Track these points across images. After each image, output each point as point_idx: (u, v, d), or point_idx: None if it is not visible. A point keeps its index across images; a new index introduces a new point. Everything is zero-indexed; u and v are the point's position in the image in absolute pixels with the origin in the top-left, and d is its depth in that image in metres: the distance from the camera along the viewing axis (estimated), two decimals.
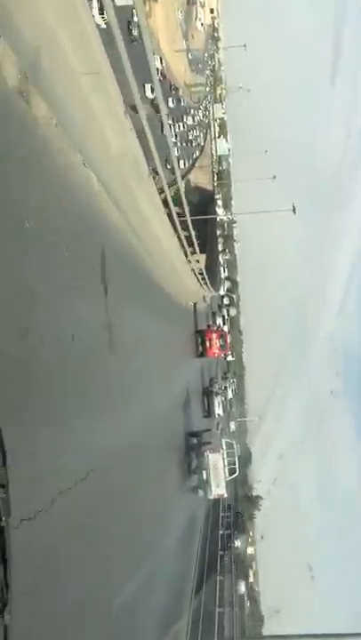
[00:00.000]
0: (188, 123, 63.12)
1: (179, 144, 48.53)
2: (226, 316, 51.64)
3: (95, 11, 13.67)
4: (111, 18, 9.79)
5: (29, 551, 4.96)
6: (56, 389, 7.00)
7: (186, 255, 27.42)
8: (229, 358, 70.85)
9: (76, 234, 8.65)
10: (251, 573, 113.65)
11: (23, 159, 6.63)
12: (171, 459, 22.26)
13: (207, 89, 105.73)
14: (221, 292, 73.19)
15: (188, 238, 27.67)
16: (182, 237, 25.48)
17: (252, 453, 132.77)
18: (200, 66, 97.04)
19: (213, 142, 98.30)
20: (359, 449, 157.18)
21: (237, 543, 65.83)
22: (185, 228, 26.03)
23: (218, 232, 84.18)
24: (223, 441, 27.20)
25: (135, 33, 23.45)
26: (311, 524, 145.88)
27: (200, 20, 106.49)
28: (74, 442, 7.48)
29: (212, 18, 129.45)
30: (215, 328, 38.80)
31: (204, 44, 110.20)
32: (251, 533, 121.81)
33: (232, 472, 26.90)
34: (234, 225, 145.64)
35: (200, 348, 32.99)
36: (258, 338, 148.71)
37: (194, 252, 29.82)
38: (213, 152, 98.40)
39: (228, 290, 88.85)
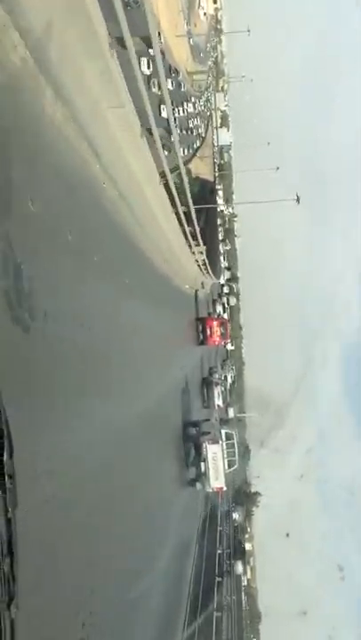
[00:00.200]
0: (189, 110, 61.77)
1: (178, 130, 47.24)
2: (226, 305, 50.75)
3: None
4: None
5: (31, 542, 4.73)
6: (56, 382, 6.80)
7: (187, 239, 26.49)
8: (229, 347, 69.80)
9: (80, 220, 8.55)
10: (248, 569, 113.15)
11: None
12: (168, 449, 21.29)
13: (209, 79, 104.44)
14: (222, 281, 72.80)
15: (189, 218, 26.65)
16: (184, 223, 24.84)
17: (250, 450, 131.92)
18: (202, 55, 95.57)
19: (215, 132, 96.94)
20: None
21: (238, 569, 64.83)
22: (188, 218, 25.28)
23: (218, 222, 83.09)
24: (223, 431, 26.01)
25: None
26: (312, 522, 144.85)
27: (203, 9, 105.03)
28: (72, 430, 7.25)
29: (216, 9, 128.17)
30: (216, 316, 38.25)
31: (206, 34, 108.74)
32: (248, 529, 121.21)
33: (231, 464, 25.71)
34: (235, 219, 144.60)
35: (201, 336, 32.55)
36: (258, 334, 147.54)
37: (195, 239, 29.08)
38: (215, 142, 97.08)
39: (227, 280, 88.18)
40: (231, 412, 50.91)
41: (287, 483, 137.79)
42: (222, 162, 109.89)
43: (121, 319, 11.79)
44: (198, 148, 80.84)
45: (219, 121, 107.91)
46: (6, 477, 3.22)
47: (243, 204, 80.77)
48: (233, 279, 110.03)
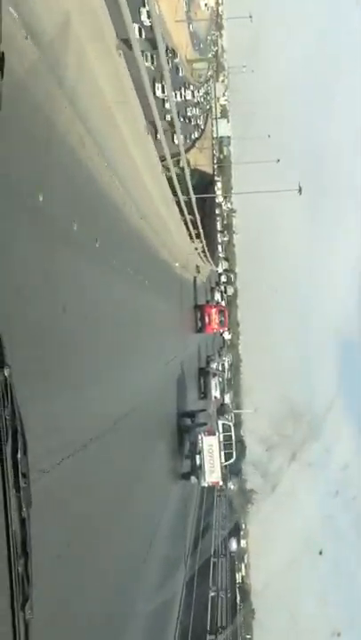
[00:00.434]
0: (187, 98, 60.47)
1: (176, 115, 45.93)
2: (224, 293, 49.89)
3: None
4: None
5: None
6: (48, 364, 6.40)
7: (186, 225, 25.47)
8: (227, 336, 68.57)
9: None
10: (243, 567, 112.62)
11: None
12: (161, 440, 20.00)
13: (209, 72, 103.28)
14: (220, 270, 72.25)
15: (188, 204, 25.76)
16: (183, 207, 23.92)
17: (246, 446, 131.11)
18: (202, 46, 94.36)
19: (214, 124, 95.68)
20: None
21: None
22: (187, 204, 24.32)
23: (217, 211, 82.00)
24: (220, 423, 24.69)
25: None
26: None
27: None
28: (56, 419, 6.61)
29: (217, 3, 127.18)
30: (214, 303, 37.55)
31: (206, 25, 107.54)
32: (243, 526, 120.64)
33: (228, 457, 24.40)
34: (234, 214, 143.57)
35: (199, 324, 32.03)
36: (255, 331, 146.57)
37: (195, 226, 28.26)
38: (214, 134, 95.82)
39: (225, 270, 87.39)
40: (227, 398, 50.16)
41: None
42: (222, 156, 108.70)
43: (113, 303, 11.06)
44: (197, 139, 79.72)
45: (219, 112, 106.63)
46: (20, 476, 3.13)
47: (243, 194, 79.31)
48: (231, 270, 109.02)
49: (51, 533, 5.73)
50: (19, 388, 3.19)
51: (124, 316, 12.22)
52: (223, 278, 70.61)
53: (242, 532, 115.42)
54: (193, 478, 24.27)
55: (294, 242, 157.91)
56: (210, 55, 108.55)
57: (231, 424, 25.54)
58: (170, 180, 20.28)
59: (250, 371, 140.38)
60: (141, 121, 12.42)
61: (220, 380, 35.24)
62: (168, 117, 29.84)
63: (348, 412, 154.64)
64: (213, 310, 32.90)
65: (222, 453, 23.73)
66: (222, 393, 36.50)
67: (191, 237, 24.71)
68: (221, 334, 56.26)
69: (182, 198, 23.20)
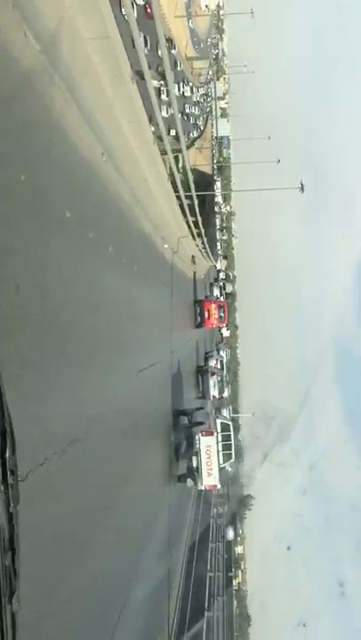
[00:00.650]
0: (186, 94, 59.43)
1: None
2: (223, 289, 49.03)
3: None
4: None
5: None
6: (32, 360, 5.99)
7: (185, 217, 24.44)
8: (225, 333, 67.37)
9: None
10: (239, 573, 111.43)
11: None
12: (155, 439, 18.71)
13: (209, 75, 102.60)
14: (218, 267, 71.41)
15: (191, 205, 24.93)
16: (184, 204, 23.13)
17: (243, 450, 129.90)
18: (202, 46, 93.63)
19: (214, 124, 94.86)
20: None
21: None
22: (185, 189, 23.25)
23: (216, 209, 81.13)
24: (218, 422, 23.33)
25: None
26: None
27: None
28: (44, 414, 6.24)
29: (218, 6, 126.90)
30: (214, 299, 36.68)
31: (207, 25, 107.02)
32: (240, 531, 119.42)
33: (227, 458, 23.04)
34: (233, 218, 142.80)
35: (198, 319, 31.46)
36: (254, 335, 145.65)
37: (195, 220, 27.37)
38: (214, 134, 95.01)
39: (225, 268, 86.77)
40: (226, 392, 49.24)
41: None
42: (221, 158, 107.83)
43: (110, 295, 10.41)
44: (196, 138, 78.89)
45: (219, 112, 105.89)
46: (8, 473, 3.18)
47: (244, 191, 78.19)
48: (229, 269, 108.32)
49: (40, 532, 5.54)
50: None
51: (107, 306, 10.87)
52: (222, 275, 69.77)
53: (238, 539, 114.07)
54: (189, 481, 22.90)
55: (294, 245, 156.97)
56: (211, 58, 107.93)
57: (230, 423, 24.17)
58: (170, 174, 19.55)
59: (247, 374, 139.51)
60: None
61: (219, 378, 34.03)
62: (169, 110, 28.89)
63: (319, 414, 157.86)
64: (213, 305, 32.19)
65: (221, 454, 22.39)
66: (221, 392, 35.22)
67: (189, 226, 23.40)
68: (219, 330, 55.45)
69: (182, 193, 22.36)
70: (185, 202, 22.08)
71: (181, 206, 21.23)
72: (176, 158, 21.28)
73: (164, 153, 17.88)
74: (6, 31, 5.37)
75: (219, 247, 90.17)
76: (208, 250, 38.85)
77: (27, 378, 5.80)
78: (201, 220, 33.64)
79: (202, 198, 51.21)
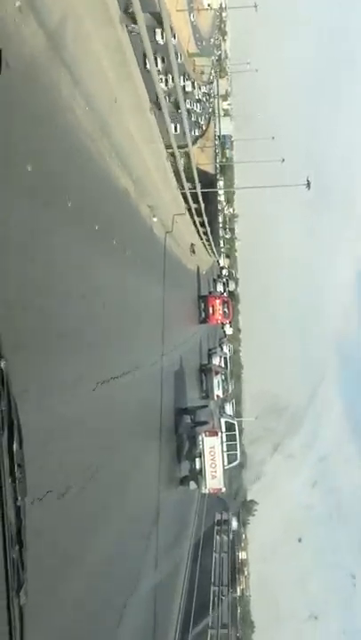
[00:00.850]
0: (187, 89, 58.37)
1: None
2: (226, 286, 48.15)
3: None
4: None
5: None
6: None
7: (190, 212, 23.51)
8: (228, 331, 66.15)
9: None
10: (243, 579, 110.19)
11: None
12: (156, 439, 17.45)
13: (212, 75, 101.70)
14: (221, 264, 70.55)
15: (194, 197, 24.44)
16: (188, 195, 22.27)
17: (247, 455, 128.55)
18: (204, 44, 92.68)
19: (217, 122, 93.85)
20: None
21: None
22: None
23: (218, 207, 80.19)
24: (222, 420, 22.02)
25: None
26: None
27: None
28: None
29: (220, 8, 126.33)
30: (218, 294, 36.00)
31: (210, 24, 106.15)
32: (244, 536, 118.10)
33: (232, 459, 21.71)
34: (236, 220, 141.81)
35: (202, 314, 31.28)
36: (257, 339, 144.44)
37: (198, 207, 26.28)
38: (216, 133, 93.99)
39: (228, 266, 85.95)
40: (230, 387, 48.48)
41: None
42: (224, 159, 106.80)
43: (115, 288, 10.35)
44: (198, 137, 77.87)
45: (221, 110, 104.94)
46: (16, 467, 3.17)
47: (247, 188, 77.02)
48: (232, 267, 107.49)
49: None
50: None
51: (108, 297, 10.38)
52: (225, 272, 68.88)
53: (242, 544, 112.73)
54: (192, 484, 21.60)
55: (298, 246, 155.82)
56: (213, 58, 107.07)
57: (235, 422, 22.83)
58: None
59: (251, 379, 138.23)
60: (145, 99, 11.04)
61: (223, 377, 32.90)
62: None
63: (328, 406, 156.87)
64: (217, 301, 31.87)
65: (225, 455, 21.06)
66: (225, 392, 34.03)
67: (187, 204, 22.01)
68: (222, 327, 54.86)
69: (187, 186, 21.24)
70: (185, 184, 20.73)
71: (182, 187, 19.86)
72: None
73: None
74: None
75: (222, 245, 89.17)
76: (212, 243, 37.70)
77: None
78: (204, 208, 32.76)
79: (204, 195, 50.20)
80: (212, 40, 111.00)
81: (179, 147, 17.29)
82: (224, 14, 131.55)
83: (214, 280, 45.85)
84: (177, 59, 53.03)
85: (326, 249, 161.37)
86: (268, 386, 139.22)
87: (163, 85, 18.28)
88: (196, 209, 24.47)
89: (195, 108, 71.56)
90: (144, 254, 14.94)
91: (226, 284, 48.24)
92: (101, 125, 9.25)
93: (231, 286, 59.37)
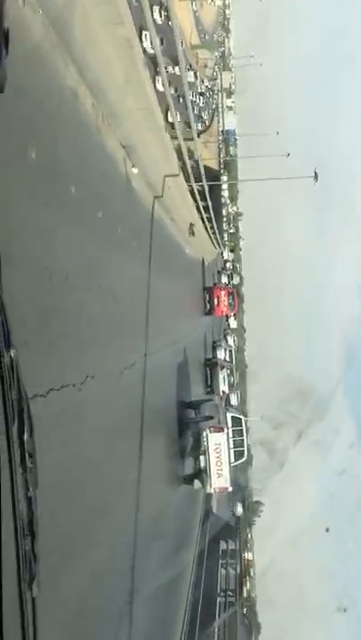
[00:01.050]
0: (190, 79, 57.25)
1: (173, 90, 42.84)
2: (230, 278, 47.48)
3: None
4: None
5: None
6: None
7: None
8: (233, 324, 64.88)
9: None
10: (248, 580, 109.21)
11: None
12: (158, 434, 16.24)
13: (215, 71, 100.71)
14: (225, 256, 69.74)
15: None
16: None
17: (253, 455, 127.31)
18: (207, 37, 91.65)
19: (221, 117, 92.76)
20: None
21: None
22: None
23: (222, 201, 79.17)
24: (228, 415, 20.71)
25: None
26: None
27: None
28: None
29: (224, 5, 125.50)
30: (223, 285, 35.45)
31: (213, 19, 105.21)
32: (249, 536, 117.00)
33: (239, 456, 20.39)
34: (240, 218, 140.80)
35: (207, 306, 31.17)
36: (262, 337, 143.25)
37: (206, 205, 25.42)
38: (220, 128, 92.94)
39: (232, 260, 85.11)
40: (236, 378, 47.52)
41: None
42: (228, 157, 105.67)
43: (100, 268, 9.37)
44: (202, 132, 76.81)
45: (225, 104, 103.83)
46: (27, 456, 3.15)
47: (254, 180, 75.77)
48: (236, 261, 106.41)
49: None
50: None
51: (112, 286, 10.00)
52: (229, 265, 68.10)
53: (248, 545, 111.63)
54: (196, 483, 20.34)
55: (302, 245, 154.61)
56: (216, 54, 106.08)
57: (242, 417, 21.50)
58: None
59: (256, 377, 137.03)
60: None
61: (229, 372, 31.89)
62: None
63: (355, 392, 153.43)
64: (223, 292, 31.56)
65: (232, 452, 19.74)
66: (231, 387, 32.95)
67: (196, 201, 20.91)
68: (227, 319, 54.35)
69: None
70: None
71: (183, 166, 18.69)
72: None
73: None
74: None
75: (226, 239, 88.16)
76: (216, 231, 36.77)
77: None
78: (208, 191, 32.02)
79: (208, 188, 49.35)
80: (215, 36, 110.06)
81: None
82: (228, 11, 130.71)
83: (218, 272, 45.42)
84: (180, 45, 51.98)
85: (334, 245, 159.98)
86: (290, 370, 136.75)
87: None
88: (199, 191, 23.36)
89: (197, 101, 70.46)
90: (139, 237, 13.74)
91: (230, 277, 47.49)
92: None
93: (236, 280, 58.56)
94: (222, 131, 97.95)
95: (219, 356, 32.66)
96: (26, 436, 3.10)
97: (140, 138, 11.77)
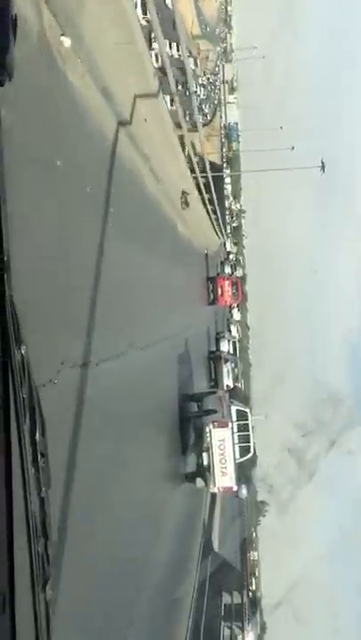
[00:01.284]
0: (190, 66, 56.14)
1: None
2: (234, 269, 47.00)
3: None
4: None
5: None
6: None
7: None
8: (236, 315, 64.11)
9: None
10: (253, 580, 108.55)
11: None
12: (158, 429, 15.14)
13: (218, 66, 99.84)
14: (228, 248, 69.32)
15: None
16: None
17: (258, 455, 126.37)
18: (208, 29, 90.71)
19: (223, 109, 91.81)
20: None
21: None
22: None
23: (225, 192, 78.46)
24: (233, 409, 19.51)
25: None
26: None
27: None
28: None
29: (226, 2, 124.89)
30: (226, 275, 35.16)
31: (215, 15, 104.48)
32: (254, 535, 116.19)
33: (245, 452, 19.19)
34: (243, 215, 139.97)
35: (211, 296, 31.02)
36: (266, 336, 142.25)
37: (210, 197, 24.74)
38: (223, 122, 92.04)
39: (235, 252, 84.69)
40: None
41: None
42: (230, 153, 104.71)
43: (117, 262, 9.44)
44: (203, 125, 75.77)
45: (227, 97, 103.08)
46: (39, 456, 3.08)
47: (259, 171, 74.98)
48: (239, 253, 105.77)
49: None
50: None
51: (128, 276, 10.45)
52: (232, 256, 67.56)
53: (253, 544, 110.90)
54: (199, 481, 19.16)
55: (307, 241, 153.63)
56: (219, 50, 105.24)
57: (248, 410, 20.31)
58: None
59: (260, 376, 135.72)
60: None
61: (233, 365, 31.13)
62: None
63: None
64: (226, 282, 31.65)
65: (237, 448, 18.54)
66: (235, 380, 32.04)
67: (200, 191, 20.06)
68: (230, 310, 53.95)
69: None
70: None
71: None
72: None
73: None
74: None
75: (229, 231, 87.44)
76: (219, 217, 36.15)
77: None
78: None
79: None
80: (217, 30, 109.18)
81: None
82: (230, 8, 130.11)
83: (222, 262, 45.43)
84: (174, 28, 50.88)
85: (340, 243, 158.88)
86: (319, 376, 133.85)
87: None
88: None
89: (198, 92, 69.38)
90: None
91: (233, 268, 46.95)
92: None
93: (239, 272, 57.94)
94: (225, 125, 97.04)
95: (223, 349, 32.02)
96: (37, 436, 3.03)
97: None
